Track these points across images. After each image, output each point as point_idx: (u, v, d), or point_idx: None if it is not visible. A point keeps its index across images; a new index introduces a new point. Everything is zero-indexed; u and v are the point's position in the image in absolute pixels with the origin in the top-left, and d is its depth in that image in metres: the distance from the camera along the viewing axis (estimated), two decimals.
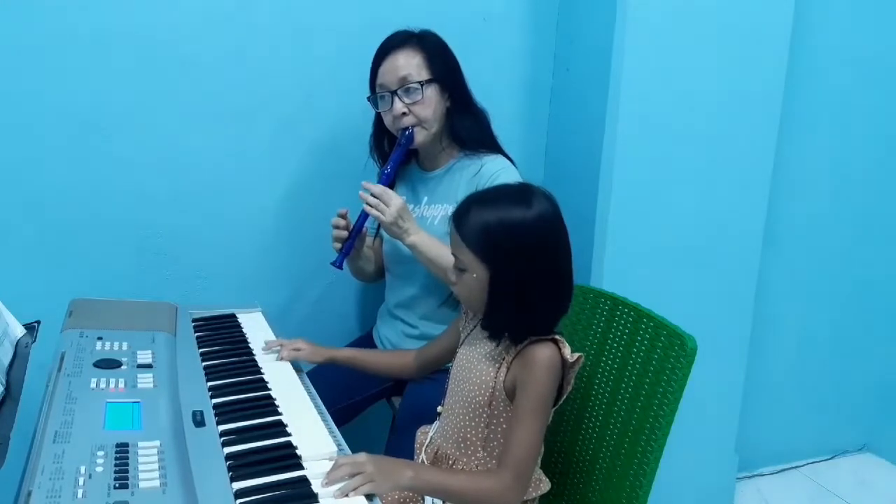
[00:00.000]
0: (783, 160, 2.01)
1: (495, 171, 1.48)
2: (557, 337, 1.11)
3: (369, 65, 1.53)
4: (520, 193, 1.11)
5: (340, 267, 1.52)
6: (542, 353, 1.08)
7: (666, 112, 1.75)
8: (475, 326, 1.22)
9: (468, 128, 1.54)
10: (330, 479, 0.93)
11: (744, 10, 1.76)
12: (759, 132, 1.87)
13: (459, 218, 1.11)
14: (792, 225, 2.19)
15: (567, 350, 1.11)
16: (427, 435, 1.26)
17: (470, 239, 1.09)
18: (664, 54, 1.72)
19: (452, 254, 1.14)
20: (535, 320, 1.10)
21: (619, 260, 1.79)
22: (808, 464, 2.42)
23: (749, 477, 2.32)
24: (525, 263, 1.07)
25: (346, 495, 0.91)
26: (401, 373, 1.41)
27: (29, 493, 0.78)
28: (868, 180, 2.28)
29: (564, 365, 1.11)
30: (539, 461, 1.20)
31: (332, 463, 0.96)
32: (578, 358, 1.12)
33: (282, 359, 1.31)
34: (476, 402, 1.14)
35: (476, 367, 1.16)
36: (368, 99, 1.55)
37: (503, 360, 1.13)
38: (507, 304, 1.08)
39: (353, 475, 0.94)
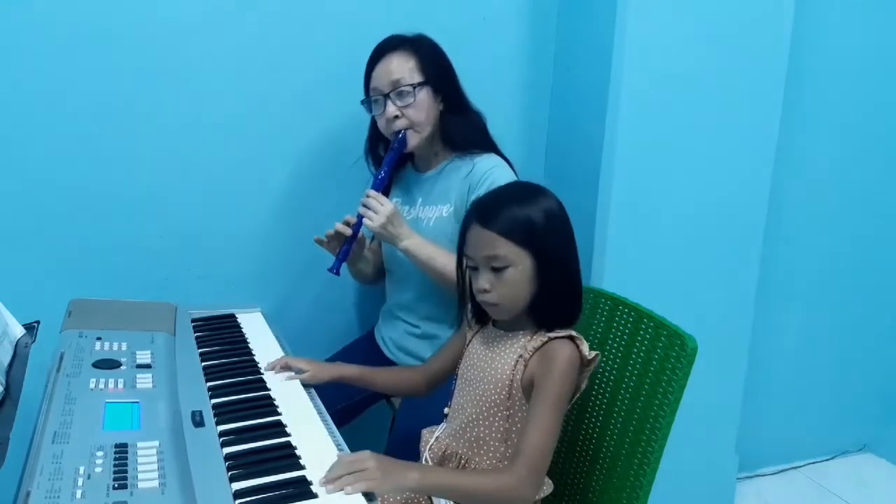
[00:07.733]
0: (784, 160, 2.01)
1: (489, 168, 1.48)
2: (574, 334, 1.11)
3: None
4: (534, 186, 1.15)
5: (338, 273, 1.51)
6: (562, 351, 1.09)
7: (666, 112, 1.75)
8: (486, 325, 1.22)
9: (462, 130, 1.54)
10: (329, 477, 0.91)
11: (744, 10, 1.76)
12: (759, 132, 1.87)
13: (488, 218, 1.09)
14: (792, 225, 2.19)
15: (585, 347, 1.11)
16: (433, 434, 1.25)
17: (510, 232, 1.07)
18: (664, 54, 1.72)
19: (485, 256, 1.09)
20: (576, 301, 1.14)
21: (619, 260, 1.79)
22: (808, 464, 2.42)
23: (749, 477, 2.32)
24: (565, 245, 1.12)
25: (343, 490, 0.89)
26: (409, 390, 1.33)
27: (28, 494, 0.78)
28: (869, 180, 2.28)
29: (582, 362, 1.11)
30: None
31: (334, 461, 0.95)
32: (595, 356, 1.12)
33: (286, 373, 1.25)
34: (492, 401, 1.14)
35: (491, 365, 1.15)
36: (362, 102, 1.55)
37: (521, 357, 1.12)
38: (556, 287, 1.10)
39: (353, 472, 0.91)
